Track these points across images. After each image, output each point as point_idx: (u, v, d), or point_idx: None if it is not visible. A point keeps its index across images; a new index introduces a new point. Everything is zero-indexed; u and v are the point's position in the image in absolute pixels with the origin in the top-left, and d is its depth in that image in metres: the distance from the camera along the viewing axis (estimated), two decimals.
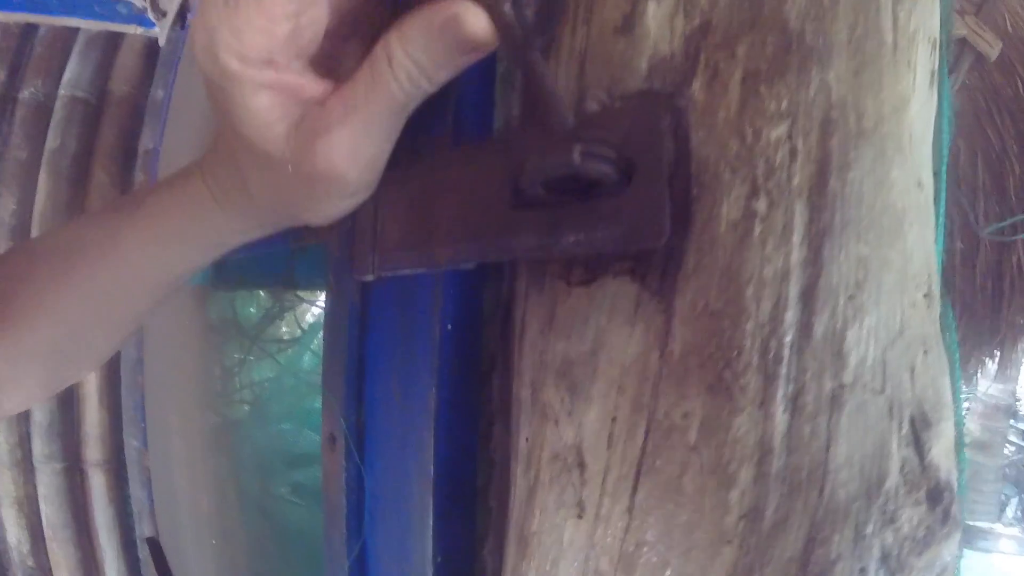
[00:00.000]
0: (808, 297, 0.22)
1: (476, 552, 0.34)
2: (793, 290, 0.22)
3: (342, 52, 0.32)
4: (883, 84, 0.23)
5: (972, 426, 4.34)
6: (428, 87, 0.29)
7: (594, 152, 0.25)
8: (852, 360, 0.22)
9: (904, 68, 0.24)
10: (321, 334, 0.69)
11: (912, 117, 0.24)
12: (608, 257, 0.26)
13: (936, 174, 0.26)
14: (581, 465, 0.26)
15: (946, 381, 0.25)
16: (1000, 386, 4.17)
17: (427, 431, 0.32)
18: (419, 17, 0.27)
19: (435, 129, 0.33)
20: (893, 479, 0.22)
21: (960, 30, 1.53)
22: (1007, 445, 4.73)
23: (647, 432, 0.24)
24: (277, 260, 0.62)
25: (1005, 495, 4.66)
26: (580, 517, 0.26)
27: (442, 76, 0.29)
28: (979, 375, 2.97)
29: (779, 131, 0.23)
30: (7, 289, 0.39)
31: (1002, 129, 1.98)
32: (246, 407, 0.93)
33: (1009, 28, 1.75)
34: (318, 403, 0.42)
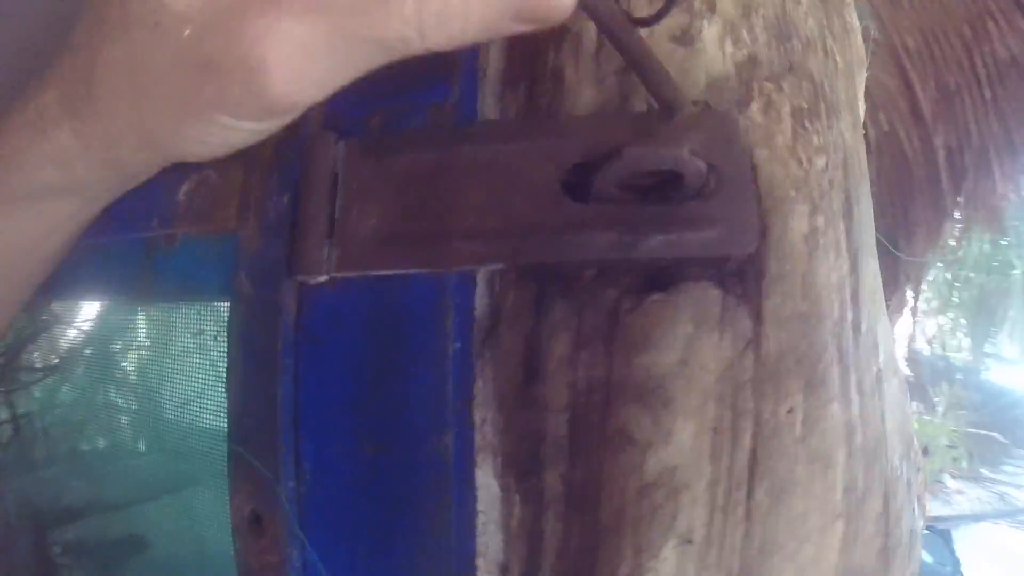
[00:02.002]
0: (855, 300, 0.27)
1: None
2: (847, 294, 0.27)
3: None
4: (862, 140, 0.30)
5: None
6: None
7: (696, 149, 0.24)
8: (882, 349, 0.28)
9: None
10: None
11: None
12: (683, 262, 0.26)
13: None
14: (683, 487, 0.24)
15: None
16: None
17: (442, 493, 0.23)
18: None
19: (432, 93, 0.25)
20: (916, 438, 0.29)
21: None
22: None
23: (754, 435, 0.25)
24: (128, 258, 0.35)
25: None
26: (690, 542, 0.24)
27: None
28: None
29: (821, 162, 0.27)
30: None
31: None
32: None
33: None
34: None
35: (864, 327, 0.28)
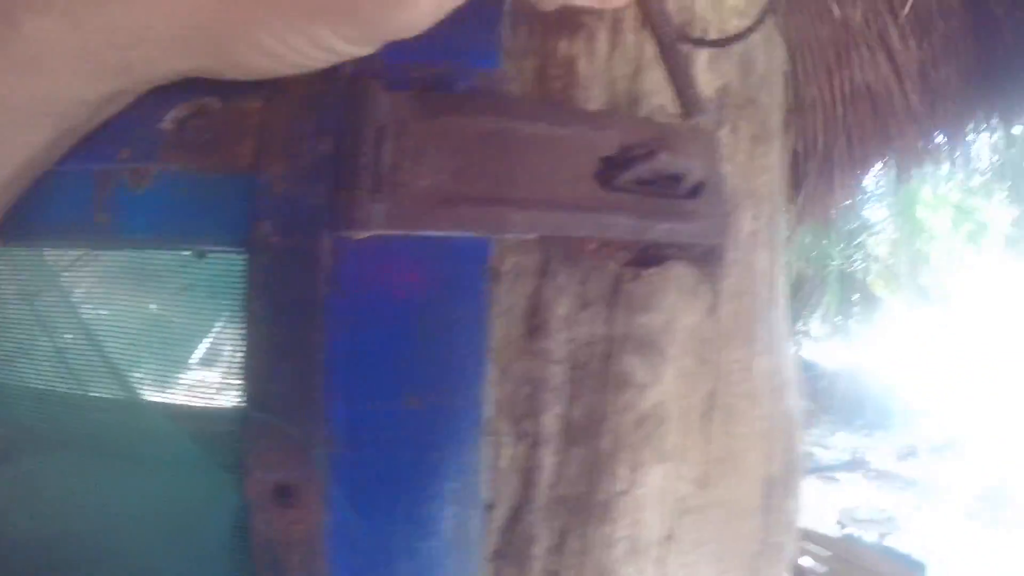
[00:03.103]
0: (775, 283, 0.37)
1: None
2: (771, 278, 0.36)
3: None
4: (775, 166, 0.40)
5: None
6: None
7: (698, 162, 0.32)
8: (786, 319, 0.38)
9: None
10: None
11: None
12: (667, 246, 0.33)
13: None
14: (667, 417, 0.32)
15: None
16: None
17: (475, 441, 0.28)
18: None
19: (481, 60, 0.29)
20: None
21: None
22: None
23: (712, 378, 0.33)
24: (70, 197, 0.28)
25: None
26: (668, 460, 0.32)
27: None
28: None
29: (764, 178, 0.36)
30: None
31: None
32: None
33: None
34: None
35: (779, 303, 0.37)
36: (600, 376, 0.32)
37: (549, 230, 0.30)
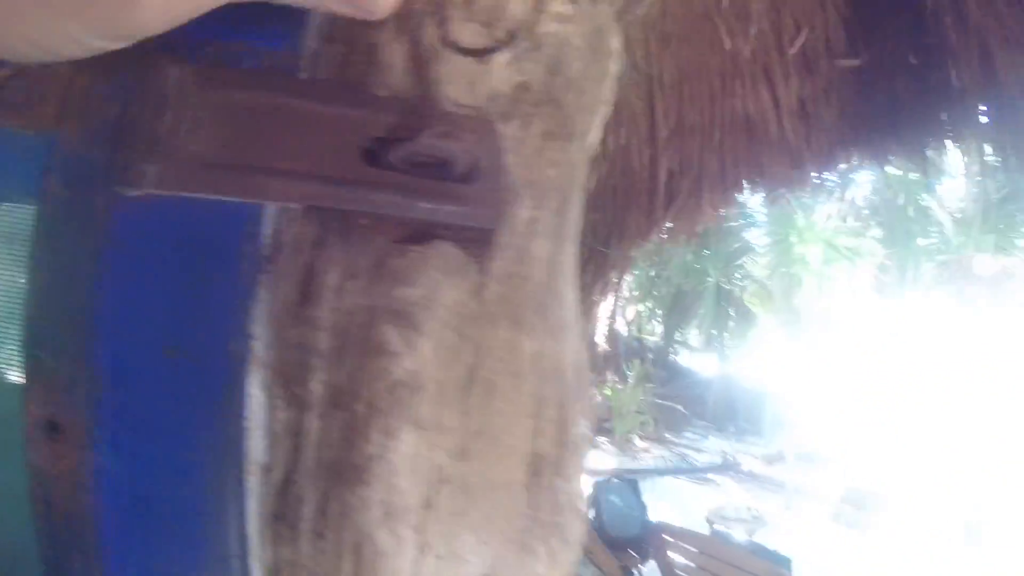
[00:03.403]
0: (555, 272, 0.38)
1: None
2: (551, 267, 0.38)
3: None
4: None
5: None
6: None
7: (470, 147, 0.33)
8: (568, 308, 0.40)
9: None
10: None
11: None
12: (436, 226, 0.34)
13: None
14: (421, 387, 0.33)
15: None
16: None
17: (233, 397, 0.29)
18: None
19: (270, 40, 0.30)
20: (589, 374, 0.41)
21: None
22: None
23: (473, 354, 0.35)
24: None
25: None
26: (422, 428, 0.33)
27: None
28: None
29: (551, 173, 0.38)
30: None
31: None
32: None
33: None
34: None
35: (559, 292, 0.39)
36: (360, 344, 0.33)
37: (309, 200, 0.31)
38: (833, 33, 1.65)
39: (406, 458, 0.33)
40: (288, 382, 0.33)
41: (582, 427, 0.42)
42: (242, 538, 0.32)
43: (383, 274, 0.33)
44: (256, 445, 0.33)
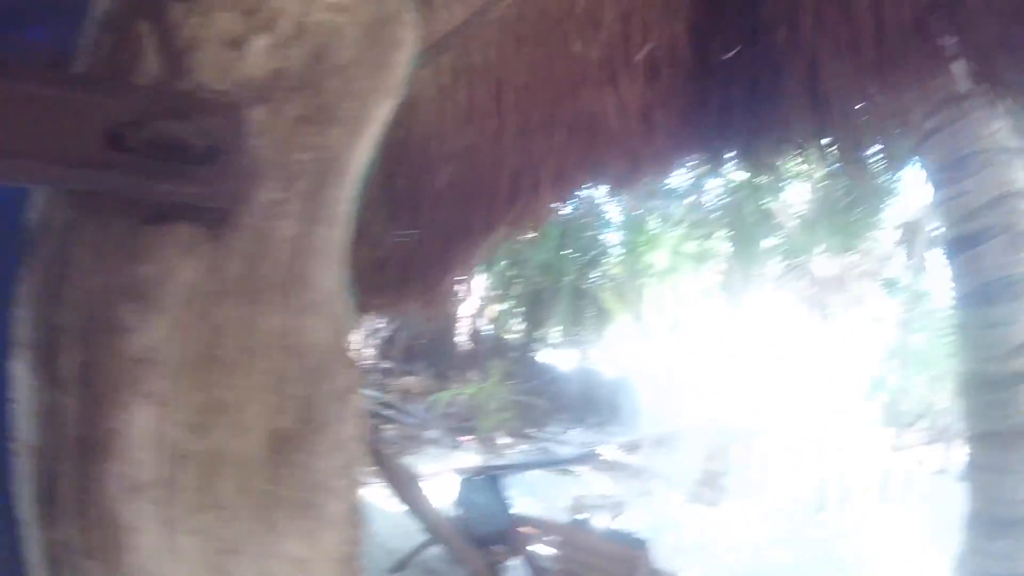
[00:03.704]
0: (303, 254, 0.40)
1: None
2: (296, 248, 0.39)
3: None
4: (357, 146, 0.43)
5: None
6: None
7: (206, 130, 0.34)
8: (319, 290, 0.41)
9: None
10: None
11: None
12: (176, 206, 0.35)
13: None
14: (157, 363, 0.33)
15: None
16: None
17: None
18: None
19: (31, 33, 0.30)
20: (350, 354, 0.43)
21: None
22: None
23: (211, 332, 0.35)
24: None
25: None
26: (159, 405, 0.33)
27: None
28: None
29: (304, 156, 0.40)
30: None
31: None
32: None
33: None
34: None
35: (306, 273, 0.41)
36: (102, 321, 0.34)
37: (52, 182, 0.32)
38: (679, 42, 1.79)
39: (145, 432, 0.33)
40: (44, 362, 0.34)
41: (338, 405, 0.43)
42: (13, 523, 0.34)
43: (123, 254, 0.34)
44: (25, 426, 0.35)
